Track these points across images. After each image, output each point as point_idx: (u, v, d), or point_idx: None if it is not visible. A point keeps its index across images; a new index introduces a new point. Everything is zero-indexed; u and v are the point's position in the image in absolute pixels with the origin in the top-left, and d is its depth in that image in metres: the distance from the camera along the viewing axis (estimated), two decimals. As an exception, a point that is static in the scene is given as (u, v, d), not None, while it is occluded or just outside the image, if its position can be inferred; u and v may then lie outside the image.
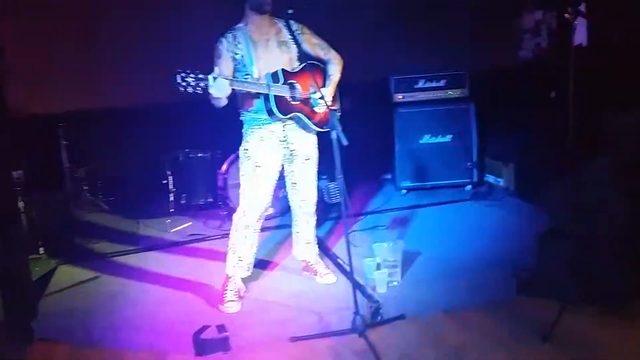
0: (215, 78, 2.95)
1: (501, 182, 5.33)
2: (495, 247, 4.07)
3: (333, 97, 3.47)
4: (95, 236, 4.91)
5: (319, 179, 4.75)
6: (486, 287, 3.48)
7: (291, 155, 3.50)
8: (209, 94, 3.03)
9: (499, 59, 6.34)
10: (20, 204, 4.42)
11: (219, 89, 3.02)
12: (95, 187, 5.73)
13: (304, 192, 3.59)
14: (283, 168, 3.57)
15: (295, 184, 3.58)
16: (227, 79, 3.04)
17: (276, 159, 3.44)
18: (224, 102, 3.17)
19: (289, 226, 3.90)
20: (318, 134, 3.54)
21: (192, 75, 2.88)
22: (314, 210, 3.70)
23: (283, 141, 3.43)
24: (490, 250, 4.03)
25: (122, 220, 5.33)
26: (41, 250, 4.48)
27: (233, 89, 3.11)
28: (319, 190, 4.91)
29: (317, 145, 3.57)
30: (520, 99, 5.67)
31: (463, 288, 3.49)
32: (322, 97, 3.28)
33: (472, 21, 6.26)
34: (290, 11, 3.24)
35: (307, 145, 3.51)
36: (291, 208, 3.72)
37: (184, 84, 2.87)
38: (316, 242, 3.84)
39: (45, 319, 3.45)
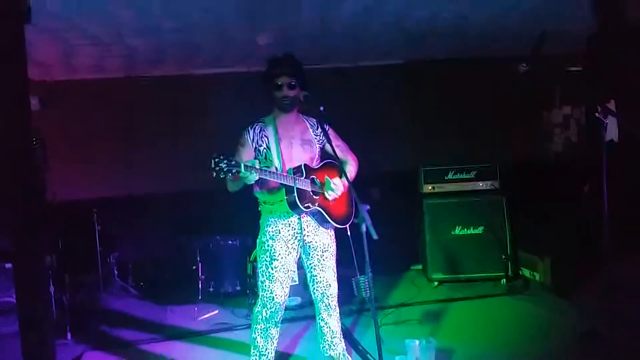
0: (246, 166, 3.01)
1: (537, 276, 5.19)
2: (532, 346, 3.90)
3: (346, 194, 3.50)
4: (123, 322, 4.89)
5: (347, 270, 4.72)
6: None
7: (309, 248, 3.50)
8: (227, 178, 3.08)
9: (530, 152, 6.38)
10: (51, 288, 4.46)
11: (247, 177, 3.08)
12: (126, 272, 5.77)
13: (324, 285, 3.55)
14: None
15: (315, 276, 3.55)
16: (255, 168, 3.09)
17: (293, 252, 3.44)
18: (237, 188, 3.23)
19: (312, 317, 3.83)
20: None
21: (225, 161, 2.95)
22: (336, 302, 3.64)
23: (299, 233, 3.44)
24: (527, 349, 3.86)
25: (150, 306, 5.32)
26: (69, 335, 4.46)
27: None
28: (348, 283, 4.86)
29: (334, 237, 3.57)
30: (553, 193, 5.63)
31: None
32: (336, 185, 3.37)
33: (503, 114, 6.36)
34: (322, 108, 3.33)
35: (322, 236, 3.50)
36: (314, 301, 3.67)
37: (216, 168, 2.93)
38: (342, 336, 3.75)
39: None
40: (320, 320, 3.68)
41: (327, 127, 3.43)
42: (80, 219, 5.68)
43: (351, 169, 3.57)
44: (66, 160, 5.72)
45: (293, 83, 3.32)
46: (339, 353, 3.69)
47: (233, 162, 2.96)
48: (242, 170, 2.99)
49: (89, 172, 5.93)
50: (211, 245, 5.40)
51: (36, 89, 5.71)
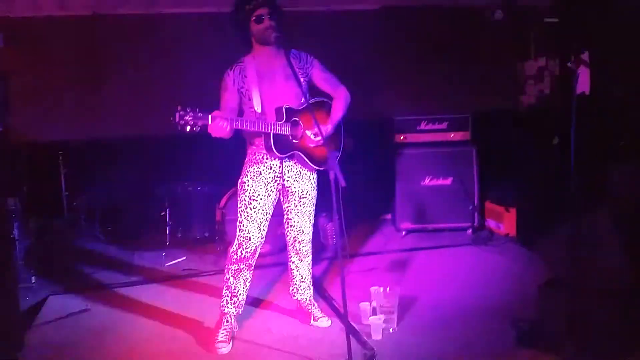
0: (214, 118, 2.93)
1: (502, 227, 5.28)
2: (495, 295, 3.98)
3: (333, 135, 3.46)
4: (89, 266, 4.86)
5: (319, 216, 4.71)
6: (484, 336, 3.38)
7: (287, 192, 3.49)
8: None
9: (502, 103, 6.38)
10: (15, 232, 4.39)
11: (218, 129, 3.02)
12: (94, 216, 5.70)
13: (298, 229, 3.57)
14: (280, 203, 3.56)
15: (291, 219, 3.56)
16: (227, 119, 3.02)
17: (272, 194, 3.43)
18: (227, 136, 3.16)
19: (285, 264, 3.85)
20: (318, 172, 3.53)
21: (191, 113, 2.86)
22: (309, 247, 3.66)
23: (279, 177, 3.42)
24: (490, 298, 3.93)
25: (118, 251, 5.29)
26: (33, 279, 4.42)
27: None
28: (316, 230, 4.89)
29: (315, 183, 3.55)
30: (522, 145, 5.67)
31: (460, 337, 3.40)
32: (317, 134, 3.29)
33: (476, 65, 6.32)
34: (292, 50, 3.26)
35: (304, 183, 3.49)
36: (287, 244, 3.69)
37: (182, 122, 2.84)
38: (311, 283, 3.78)
39: (31, 351, 3.38)
40: (290, 264, 3.72)
41: (311, 59, 3.36)
42: (45, 161, 5.56)
43: (338, 106, 3.46)
44: (30, 100, 5.54)
45: (272, 13, 3.23)
46: (306, 298, 3.73)
47: (199, 115, 2.88)
48: (209, 121, 2.92)
49: (54, 113, 5.74)
50: (180, 191, 5.35)
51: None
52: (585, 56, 4.83)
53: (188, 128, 2.86)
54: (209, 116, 2.92)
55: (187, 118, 2.85)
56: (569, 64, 3.57)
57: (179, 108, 2.85)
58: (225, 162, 3.78)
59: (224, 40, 3.42)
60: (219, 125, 3.00)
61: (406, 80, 6.30)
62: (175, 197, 5.37)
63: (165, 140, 5.41)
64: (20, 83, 5.38)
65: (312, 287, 3.79)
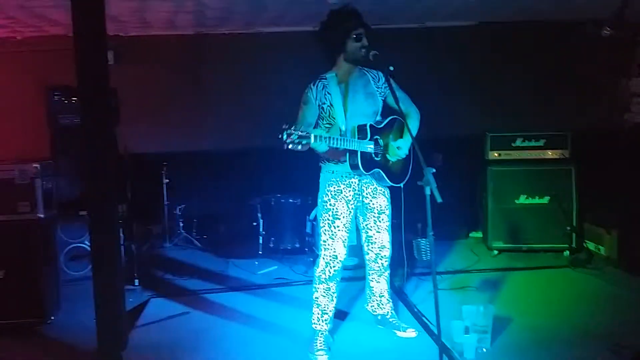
0: (316, 137, 3.03)
1: (602, 250, 5.04)
2: (594, 320, 3.82)
3: (408, 150, 3.48)
4: (187, 272, 5.10)
5: (409, 231, 4.73)
6: (582, 361, 3.26)
7: (365, 208, 3.53)
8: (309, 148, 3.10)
9: (605, 121, 6.11)
10: (121, 236, 4.67)
11: (319, 147, 3.12)
12: (191, 224, 5.98)
13: (379, 246, 3.60)
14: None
15: (371, 237, 3.60)
16: (324, 137, 3.10)
17: (352, 212, 3.49)
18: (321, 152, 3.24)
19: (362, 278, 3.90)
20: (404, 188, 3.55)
21: (296, 132, 2.96)
22: (388, 263, 3.68)
23: (358, 194, 3.47)
24: (589, 322, 3.78)
25: (212, 259, 5.53)
26: (136, 282, 4.69)
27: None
28: (409, 245, 4.88)
29: (389, 198, 3.58)
30: (625, 164, 5.40)
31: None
32: (399, 147, 3.37)
33: (577, 82, 6.11)
34: (391, 68, 3.29)
35: (380, 199, 3.53)
36: (366, 261, 3.73)
37: (288, 140, 2.95)
38: (390, 296, 3.80)
39: (134, 350, 3.59)
40: (370, 281, 3.76)
41: (389, 79, 3.38)
42: (149, 171, 5.90)
43: (414, 124, 3.50)
44: (137, 113, 5.91)
45: (367, 32, 3.32)
46: (388, 312, 3.78)
47: (304, 133, 2.97)
48: (312, 141, 3.01)
49: (158, 127, 6.10)
50: (272, 202, 5.51)
51: (111, 43, 5.88)
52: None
53: (292, 146, 2.96)
54: (312, 135, 3.01)
55: (293, 137, 2.95)
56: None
57: (285, 126, 2.96)
58: (315, 174, 3.86)
59: (320, 56, 3.50)
60: (320, 143, 3.09)
61: (502, 97, 6.18)
62: (268, 208, 5.53)
63: (260, 154, 5.62)
64: (128, 98, 5.75)
65: (391, 301, 3.81)
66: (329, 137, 3.12)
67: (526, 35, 6.10)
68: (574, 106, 6.10)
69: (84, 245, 4.97)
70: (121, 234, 4.70)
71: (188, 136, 6.15)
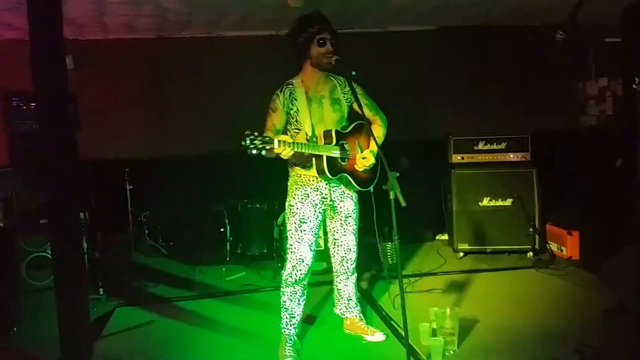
0: (280, 142, 3.03)
1: (564, 250, 5.16)
2: (557, 319, 3.89)
3: (375, 158, 3.49)
4: (153, 280, 5.03)
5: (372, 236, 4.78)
6: (547, 360, 3.32)
7: (333, 212, 3.56)
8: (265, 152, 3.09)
9: (562, 124, 6.27)
10: (84, 245, 4.58)
11: (282, 152, 3.09)
12: (156, 231, 5.89)
13: (346, 248, 3.63)
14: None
15: (337, 239, 3.63)
16: (289, 142, 3.09)
17: (320, 216, 3.50)
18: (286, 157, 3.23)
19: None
20: (367, 193, 3.57)
21: (259, 138, 2.95)
22: (354, 266, 3.71)
23: (325, 198, 3.48)
24: (552, 322, 3.85)
25: (179, 266, 5.46)
26: (101, 291, 4.60)
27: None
28: (374, 249, 4.90)
29: (357, 202, 3.60)
30: (584, 166, 5.54)
31: (522, 360, 3.34)
32: (364, 158, 3.40)
33: (535, 85, 6.25)
34: (353, 73, 3.31)
35: (348, 202, 3.56)
36: (332, 265, 3.75)
37: (251, 146, 2.93)
38: (357, 300, 3.83)
39: (100, 360, 3.50)
40: (337, 284, 3.79)
41: (355, 85, 3.41)
42: (112, 178, 5.78)
43: (380, 130, 3.54)
44: (98, 119, 5.79)
45: (333, 40, 3.31)
46: (356, 315, 3.80)
47: (267, 139, 2.96)
48: (275, 146, 3.01)
49: (120, 132, 6.00)
50: (239, 208, 5.47)
51: (69, 48, 5.76)
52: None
53: (255, 151, 2.95)
54: (276, 141, 3.00)
55: (256, 142, 2.94)
56: (634, 85, 3.48)
57: (248, 132, 2.94)
58: (282, 179, 3.86)
59: (283, 61, 3.50)
60: (283, 149, 3.09)
61: (463, 101, 6.29)
62: (234, 214, 5.50)
63: (225, 159, 5.57)
64: (88, 103, 5.63)
65: (359, 305, 3.84)
66: (294, 143, 3.12)
67: (485, 39, 6.21)
68: (533, 109, 6.23)
69: (46, 254, 4.85)
70: (84, 243, 4.62)
71: (151, 142, 6.06)
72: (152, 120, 6.15)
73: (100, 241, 5.46)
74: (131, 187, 5.75)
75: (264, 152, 2.97)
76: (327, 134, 3.34)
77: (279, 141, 3.01)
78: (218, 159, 5.81)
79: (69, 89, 3.46)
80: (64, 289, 3.39)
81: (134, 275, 5.14)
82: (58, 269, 3.45)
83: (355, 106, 3.47)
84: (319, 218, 3.48)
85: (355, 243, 3.65)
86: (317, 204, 3.45)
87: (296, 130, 3.41)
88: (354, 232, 3.62)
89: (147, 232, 5.86)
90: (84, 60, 5.93)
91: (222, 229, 5.50)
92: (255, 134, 2.94)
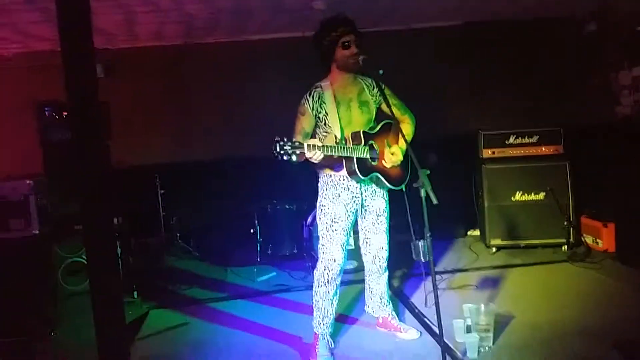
0: (309, 146, 3.03)
1: (600, 243, 5.05)
2: (594, 314, 3.81)
3: (405, 157, 3.48)
4: (186, 282, 5.08)
5: (407, 232, 4.75)
6: (583, 357, 3.24)
7: (364, 211, 3.54)
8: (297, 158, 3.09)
9: (596, 115, 6.14)
10: (118, 250, 4.66)
11: (312, 157, 3.09)
12: (188, 235, 5.96)
13: (379, 246, 3.62)
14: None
15: (369, 238, 3.62)
16: (318, 146, 3.09)
17: (352, 215, 3.49)
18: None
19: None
20: (398, 191, 3.56)
21: (289, 143, 2.96)
22: (386, 265, 3.70)
23: (357, 197, 3.47)
24: (589, 317, 3.77)
25: (211, 268, 5.51)
26: (135, 294, 4.67)
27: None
28: (407, 247, 4.86)
29: (387, 201, 3.59)
30: (618, 157, 5.41)
31: (558, 357, 3.27)
32: (394, 153, 3.38)
33: (567, 77, 6.13)
34: (381, 72, 3.29)
35: (379, 201, 3.55)
36: (364, 263, 3.74)
37: (282, 152, 2.94)
38: (389, 298, 3.82)
39: (136, 363, 3.56)
40: (369, 282, 3.78)
41: (383, 86, 3.39)
42: (143, 184, 5.88)
43: (409, 128, 3.52)
44: (129, 126, 5.89)
45: (358, 41, 3.30)
46: (389, 313, 3.79)
47: (297, 144, 2.97)
48: (306, 151, 3.01)
49: (150, 138, 6.09)
50: (269, 209, 5.50)
51: (100, 57, 5.87)
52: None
53: (286, 157, 2.95)
54: (305, 145, 3.00)
55: (286, 148, 2.95)
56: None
57: (277, 139, 2.95)
58: (311, 180, 3.86)
59: (310, 63, 3.50)
60: (313, 153, 3.09)
61: (493, 95, 6.21)
62: (264, 215, 5.53)
63: (253, 161, 5.60)
64: (119, 111, 5.74)
65: (391, 303, 3.82)
66: (323, 146, 3.12)
67: (514, 33, 6.13)
68: (566, 101, 6.12)
69: (81, 260, 4.94)
70: (118, 248, 4.69)
71: (181, 146, 6.15)
72: (181, 125, 6.24)
73: (134, 246, 5.56)
74: (162, 192, 5.82)
75: (294, 158, 2.97)
76: (355, 136, 3.34)
77: (309, 145, 3.01)
78: (246, 162, 5.86)
79: (100, 97, 3.52)
80: (99, 293, 3.45)
81: (166, 279, 5.20)
82: (93, 273, 3.50)
83: (384, 107, 3.46)
84: (350, 218, 3.48)
85: (386, 241, 3.64)
86: (348, 204, 3.45)
87: (325, 134, 3.41)
88: (385, 230, 3.61)
89: (178, 235, 5.93)
90: (114, 68, 6.07)
91: (252, 230, 5.53)
92: (285, 139, 2.95)
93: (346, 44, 3.29)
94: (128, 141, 5.78)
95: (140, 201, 5.87)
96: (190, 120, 6.25)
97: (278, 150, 2.93)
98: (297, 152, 2.97)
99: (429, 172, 3.39)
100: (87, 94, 3.40)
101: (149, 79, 6.17)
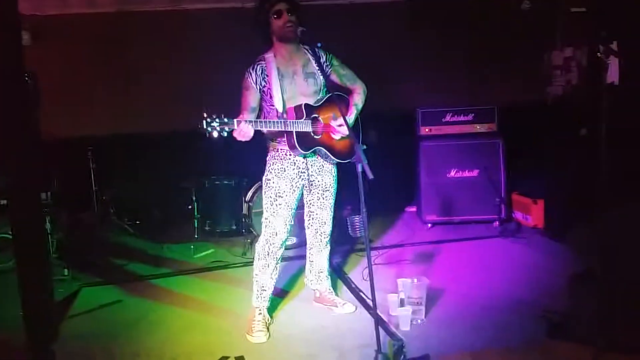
0: (239, 122, 2.99)
1: (530, 219, 5.24)
2: (525, 287, 3.96)
3: (354, 127, 3.48)
4: (120, 259, 4.95)
5: (344, 209, 4.77)
6: (514, 328, 3.37)
7: (310, 185, 3.54)
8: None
9: (528, 94, 6.32)
10: (47, 226, 4.48)
11: (243, 133, 3.07)
12: (122, 210, 5.79)
13: (321, 221, 3.64)
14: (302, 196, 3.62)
15: (312, 212, 3.63)
16: (250, 122, 3.06)
17: (297, 190, 3.48)
18: (249, 138, 3.19)
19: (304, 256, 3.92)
20: (339, 165, 3.57)
21: (217, 120, 2.91)
22: (328, 239, 3.73)
23: (303, 172, 3.46)
24: (519, 290, 3.92)
25: (147, 244, 5.38)
26: (66, 271, 4.51)
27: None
28: (343, 222, 4.92)
29: (336, 177, 3.60)
30: (549, 136, 5.61)
31: (489, 328, 3.39)
32: (341, 125, 3.34)
33: (501, 56, 6.26)
34: (319, 44, 3.26)
35: (326, 176, 3.55)
36: (307, 237, 3.76)
37: (209, 129, 2.90)
38: (328, 273, 3.86)
39: (66, 342, 3.45)
40: (310, 255, 3.80)
41: (330, 57, 3.38)
42: (75, 157, 5.65)
43: (359, 98, 3.51)
44: (59, 97, 5.63)
45: (291, 9, 3.26)
46: (325, 287, 3.82)
47: (226, 120, 2.93)
48: (235, 126, 2.97)
49: (82, 110, 5.85)
50: (207, 184, 5.41)
51: (27, 24, 5.56)
52: (614, 46, 4.75)
53: (215, 134, 2.91)
54: (235, 121, 2.96)
55: (213, 124, 2.90)
56: (598, 53, 3.51)
57: (205, 115, 2.89)
58: (251, 155, 3.82)
59: (249, 34, 3.44)
60: (244, 130, 3.05)
61: (430, 73, 6.28)
62: (202, 190, 5.43)
63: (192, 135, 5.44)
64: (48, 80, 5.45)
65: (329, 278, 3.86)
66: (254, 121, 3.09)
67: (452, 10, 6.18)
68: (500, 80, 6.26)
69: (7, 236, 4.72)
70: (47, 223, 4.52)
71: (115, 119, 5.93)
72: (115, 97, 5.99)
73: (66, 221, 5.36)
74: (94, 165, 5.62)
75: (224, 134, 2.93)
76: (297, 109, 3.30)
77: (238, 120, 2.98)
78: (184, 136, 5.68)
79: (28, 65, 3.35)
80: (26, 270, 3.33)
81: (100, 255, 5.05)
82: (19, 250, 3.37)
83: (333, 77, 3.44)
84: (295, 193, 3.46)
85: (330, 217, 3.65)
86: (294, 179, 3.43)
87: (271, 106, 3.36)
88: (330, 206, 3.62)
89: (113, 211, 5.75)
90: (43, 36, 5.75)
91: (189, 206, 5.43)
92: (214, 115, 2.90)
93: (278, 13, 3.25)
94: (59, 112, 5.53)
95: (72, 175, 5.64)
96: (125, 92, 6.01)
97: (204, 126, 2.88)
98: (226, 128, 2.93)
99: (365, 147, 3.41)
100: (12, 61, 3.23)
101: (80, 48, 5.89)
